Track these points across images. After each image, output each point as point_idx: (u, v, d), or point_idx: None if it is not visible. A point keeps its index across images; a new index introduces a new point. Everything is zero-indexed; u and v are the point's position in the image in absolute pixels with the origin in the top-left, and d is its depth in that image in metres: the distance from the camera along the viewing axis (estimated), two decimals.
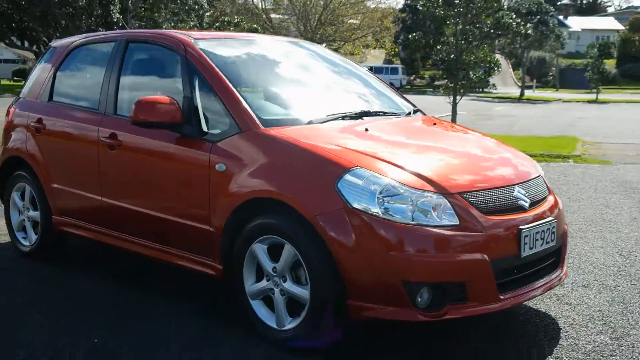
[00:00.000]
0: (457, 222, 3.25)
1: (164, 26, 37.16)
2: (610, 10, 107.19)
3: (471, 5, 12.25)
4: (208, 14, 37.88)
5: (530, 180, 3.79)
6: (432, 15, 12.60)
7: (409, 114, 4.53)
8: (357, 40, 49.80)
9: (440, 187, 3.33)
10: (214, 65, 4.04)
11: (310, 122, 3.87)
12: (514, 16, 14.01)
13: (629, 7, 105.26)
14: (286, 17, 48.74)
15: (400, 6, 51.74)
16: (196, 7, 36.04)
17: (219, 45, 4.38)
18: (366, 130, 3.87)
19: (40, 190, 5.04)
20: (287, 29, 48.38)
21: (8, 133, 5.39)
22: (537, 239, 3.51)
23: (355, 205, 3.23)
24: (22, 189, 5.29)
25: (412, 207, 3.23)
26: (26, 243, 5.29)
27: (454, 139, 4.28)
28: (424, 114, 4.69)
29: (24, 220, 5.30)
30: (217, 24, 25.56)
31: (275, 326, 3.57)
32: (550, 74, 60.00)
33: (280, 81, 4.44)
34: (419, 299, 3.22)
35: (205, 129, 3.88)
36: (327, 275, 3.31)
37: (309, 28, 47.28)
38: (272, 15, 52.69)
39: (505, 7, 28.50)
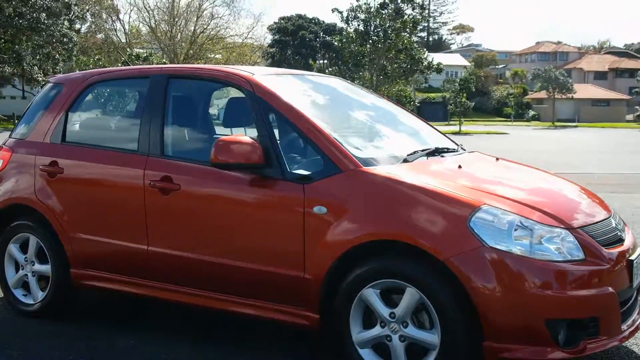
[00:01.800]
0: (584, 257, 3.29)
1: (26, 60, 35.20)
2: (454, 47, 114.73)
3: (389, 41, 12.62)
4: (77, 47, 36.36)
5: (612, 211, 3.92)
6: (350, 51, 12.84)
7: (462, 150, 4.56)
8: None
9: (564, 222, 3.37)
10: (292, 103, 3.86)
11: (405, 160, 3.79)
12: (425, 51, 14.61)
13: (469, 45, 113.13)
14: (150, 51, 47.89)
15: (268, 41, 52.51)
16: (64, 39, 34.41)
17: (282, 82, 4.19)
18: (460, 167, 3.85)
19: (55, 241, 4.54)
20: (152, 63, 47.29)
21: (4, 177, 4.82)
22: (638, 269, 3.62)
23: (492, 244, 3.18)
24: (24, 240, 4.74)
25: (546, 244, 3.23)
26: (29, 301, 4.74)
27: (530, 175, 4.34)
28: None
29: (25, 275, 4.74)
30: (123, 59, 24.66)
31: None
32: (411, 107, 63.04)
33: (350, 118, 4.33)
34: (560, 337, 3.21)
35: (289, 169, 3.69)
36: (460, 318, 3.22)
37: (176, 63, 46.68)
38: (137, 50, 51.57)
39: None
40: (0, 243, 4.84)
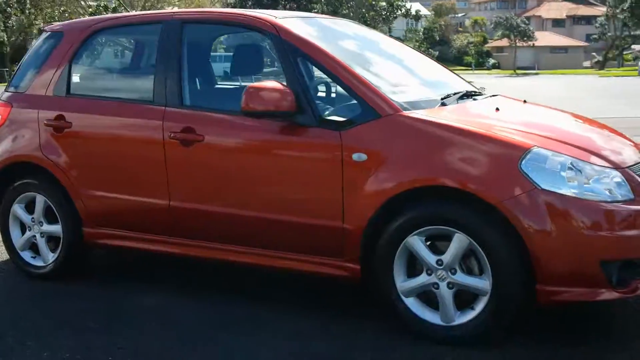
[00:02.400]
0: (633, 196, 3.23)
1: None
2: None
3: None
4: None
5: None
6: None
7: (486, 93, 4.44)
8: None
9: (612, 162, 3.30)
10: (322, 47, 3.68)
11: (443, 104, 3.66)
12: None
13: None
14: (104, 2, 46.38)
15: None
16: None
17: (305, 25, 3.99)
18: (497, 109, 3.75)
19: (65, 200, 4.32)
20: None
21: (4, 134, 4.55)
22: None
23: (544, 186, 3.09)
24: (29, 200, 4.51)
25: (598, 185, 3.16)
26: (39, 263, 4.53)
27: (562, 117, 4.25)
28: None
29: (33, 237, 4.52)
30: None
31: (440, 323, 3.34)
32: None
33: (377, 62, 4.15)
34: (613, 277, 3.16)
35: (322, 116, 3.54)
36: (512, 262, 3.15)
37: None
38: (90, 2, 50.03)
39: None
40: (2, 204, 4.59)
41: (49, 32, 4.65)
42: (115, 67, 4.49)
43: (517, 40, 62.03)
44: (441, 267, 3.29)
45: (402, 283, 3.41)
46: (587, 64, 74.00)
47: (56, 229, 4.42)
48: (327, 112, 3.59)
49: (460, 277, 3.27)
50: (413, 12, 31.38)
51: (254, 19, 3.88)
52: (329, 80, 3.80)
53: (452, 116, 3.48)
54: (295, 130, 3.57)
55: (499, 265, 3.16)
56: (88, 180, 4.23)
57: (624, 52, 64.86)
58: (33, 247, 4.59)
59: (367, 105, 3.45)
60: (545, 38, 73.67)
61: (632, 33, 59.35)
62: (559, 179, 3.12)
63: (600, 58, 63.93)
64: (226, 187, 3.80)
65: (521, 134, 3.34)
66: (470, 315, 3.28)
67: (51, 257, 4.47)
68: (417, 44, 42.72)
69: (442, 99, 3.74)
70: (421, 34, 44.38)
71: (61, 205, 4.35)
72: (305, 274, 3.74)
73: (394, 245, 3.38)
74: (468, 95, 4.01)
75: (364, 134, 3.42)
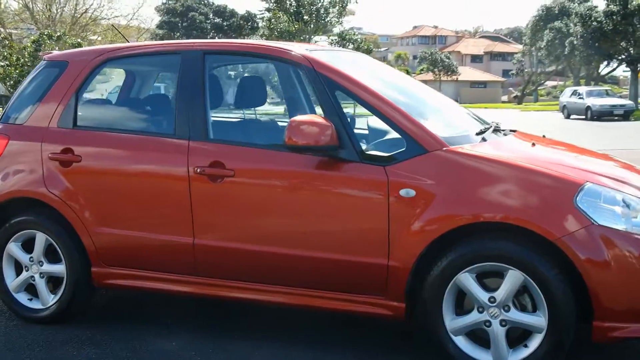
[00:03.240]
0: None
1: None
2: (336, 30, 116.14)
3: (321, 21, 12.46)
4: None
5: None
6: (279, 31, 12.56)
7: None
8: None
9: None
10: (360, 80, 3.63)
11: (483, 139, 3.65)
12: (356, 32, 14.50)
13: (351, 28, 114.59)
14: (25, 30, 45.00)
15: (156, 22, 50.51)
16: None
17: (333, 59, 3.92)
18: (533, 144, 3.77)
19: (71, 238, 4.06)
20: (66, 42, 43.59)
21: (1, 168, 4.25)
22: None
23: (600, 222, 3.11)
24: (27, 238, 4.22)
25: None
26: (36, 305, 4.23)
27: (586, 152, 4.29)
28: None
29: (30, 278, 4.22)
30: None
31: None
32: None
33: (408, 96, 4.10)
34: None
35: (363, 150, 3.48)
36: (568, 299, 3.15)
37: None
38: (12, 30, 48.40)
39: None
40: None
41: (50, 61, 4.41)
42: (126, 99, 4.27)
43: (441, 75, 63.86)
44: (494, 304, 3.25)
45: (452, 321, 3.35)
46: (504, 98, 76.92)
47: (58, 268, 4.14)
48: (367, 147, 3.52)
49: (515, 315, 3.24)
50: (365, 46, 31.89)
51: (285, 51, 3.79)
52: (360, 114, 3.73)
53: (497, 152, 3.47)
54: (336, 165, 3.48)
55: (555, 301, 3.15)
56: (100, 217, 3.99)
57: (539, 88, 67.76)
58: (29, 289, 4.28)
59: (413, 141, 3.41)
60: (465, 73, 76.20)
61: (546, 70, 62.17)
62: (612, 214, 3.15)
63: (518, 93, 66.51)
64: (260, 223, 3.65)
65: (569, 169, 3.36)
66: (525, 353, 3.24)
67: (51, 299, 4.17)
68: None
69: (476, 134, 3.73)
70: None
71: (66, 244, 4.08)
72: (343, 313, 3.62)
73: (443, 282, 3.32)
74: (496, 130, 4.02)
75: (412, 169, 3.36)
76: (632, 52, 35.91)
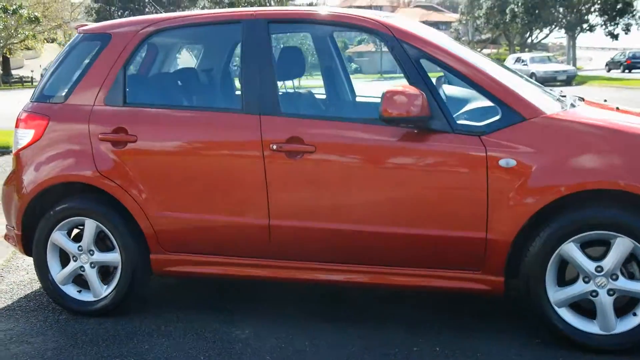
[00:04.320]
0: None
1: None
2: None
3: None
4: None
5: None
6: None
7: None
8: (40, 34, 45.57)
9: None
10: (449, 49, 3.48)
11: (572, 105, 3.56)
12: None
13: None
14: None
15: None
16: None
17: (412, 26, 3.74)
18: (617, 108, 3.72)
19: (126, 224, 3.79)
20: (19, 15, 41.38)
21: (42, 151, 3.93)
22: None
23: None
24: (72, 226, 3.94)
25: None
26: (87, 298, 3.95)
27: None
28: None
29: (80, 268, 3.93)
30: None
31: (600, 332, 3.24)
32: None
33: (485, 64, 3.94)
34: None
35: (456, 121, 3.34)
36: None
37: None
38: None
39: None
40: (38, 233, 3.96)
41: (88, 34, 4.07)
42: (181, 72, 3.98)
43: (382, 45, 63.86)
44: (601, 273, 3.18)
45: (555, 293, 3.27)
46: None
47: (112, 257, 3.87)
48: (460, 117, 3.39)
49: (624, 283, 3.18)
50: None
51: (365, 20, 3.59)
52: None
53: (597, 116, 3.40)
54: (428, 137, 3.34)
55: None
56: (160, 200, 3.73)
57: None
58: (76, 280, 4.00)
59: (509, 108, 3.29)
60: None
61: (482, 37, 63.05)
62: None
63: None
64: (346, 201, 3.47)
65: None
66: (635, 321, 3.20)
67: (105, 290, 3.91)
68: None
69: (563, 101, 3.64)
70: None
71: (120, 230, 3.81)
72: (436, 290, 3.51)
73: (547, 254, 3.23)
74: (575, 97, 3.94)
75: (510, 138, 3.25)
76: (569, 18, 36.72)
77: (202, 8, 41.28)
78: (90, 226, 3.87)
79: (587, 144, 3.20)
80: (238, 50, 3.90)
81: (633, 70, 39.52)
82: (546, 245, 3.22)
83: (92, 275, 3.91)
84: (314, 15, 3.78)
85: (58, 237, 3.93)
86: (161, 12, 43.75)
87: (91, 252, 3.90)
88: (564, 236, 3.20)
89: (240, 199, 3.62)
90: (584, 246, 3.22)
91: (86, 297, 3.96)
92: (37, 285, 4.47)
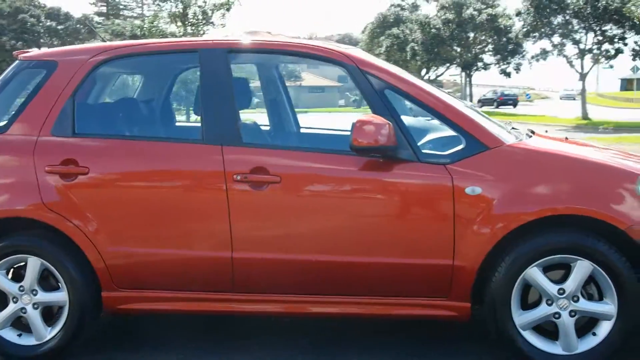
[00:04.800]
0: None
1: None
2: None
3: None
4: None
5: None
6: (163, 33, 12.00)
7: None
8: None
9: None
10: (411, 80, 3.55)
11: (529, 137, 3.70)
12: None
13: None
14: None
15: None
16: None
17: (371, 58, 3.78)
18: (566, 139, 3.88)
19: (75, 261, 3.58)
20: None
21: None
22: None
23: None
24: (11, 264, 3.68)
25: None
26: (29, 342, 3.68)
27: (601, 148, 4.41)
28: None
29: (21, 310, 3.67)
30: None
31: (562, 352, 3.33)
32: None
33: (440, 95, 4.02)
34: None
35: (421, 150, 3.40)
36: (636, 285, 3.26)
37: None
38: None
39: None
40: None
41: (33, 61, 3.86)
42: (134, 102, 3.82)
43: (285, 80, 64.47)
44: (563, 295, 3.29)
45: (520, 316, 3.35)
46: (342, 102, 79.36)
47: (58, 296, 3.64)
48: (424, 147, 3.44)
49: (584, 304, 3.30)
50: None
51: (326, 50, 3.60)
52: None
53: (554, 147, 3.54)
54: (394, 166, 3.37)
55: (625, 288, 3.25)
56: (114, 235, 3.55)
57: None
58: (15, 324, 3.73)
59: (473, 138, 3.37)
60: (305, 78, 77.70)
61: None
62: None
63: (355, 97, 68.87)
64: (312, 231, 3.44)
65: (617, 162, 3.49)
66: (595, 341, 3.31)
67: (49, 332, 3.66)
68: None
69: (516, 131, 3.77)
70: None
71: (68, 268, 3.59)
72: (404, 318, 3.51)
73: (512, 278, 3.31)
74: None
75: (475, 166, 3.33)
76: (465, 57, 38.45)
77: (103, 41, 40.31)
78: (34, 264, 3.62)
79: (547, 172, 3.33)
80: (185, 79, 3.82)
81: (501, 106, 47.71)
82: (511, 270, 3.29)
83: (35, 317, 3.65)
84: (277, 46, 3.76)
85: None
86: (56, 43, 42.43)
87: (34, 292, 3.65)
88: (528, 261, 3.28)
89: (200, 231, 3.51)
90: (545, 270, 3.32)
91: (27, 341, 3.69)
92: None
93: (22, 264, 3.68)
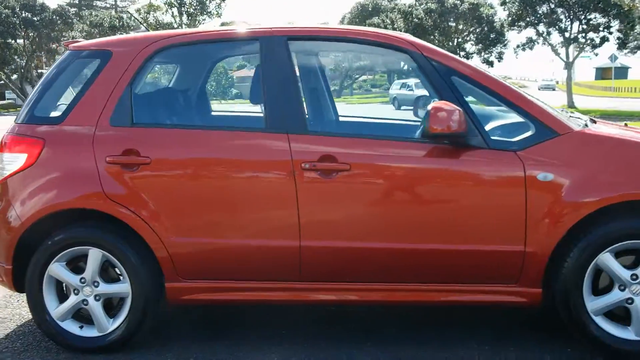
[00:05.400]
0: None
1: None
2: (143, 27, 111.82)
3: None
4: None
5: None
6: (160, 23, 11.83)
7: None
8: None
9: None
10: (475, 66, 3.54)
11: (594, 123, 3.72)
12: None
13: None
14: None
15: None
16: None
17: (430, 45, 3.76)
18: (626, 124, 3.90)
19: (138, 251, 3.54)
20: None
21: (37, 177, 3.59)
22: None
23: None
24: (74, 257, 3.62)
25: None
26: (91, 334, 3.64)
27: None
28: None
29: (82, 302, 3.62)
30: None
31: (635, 337, 3.35)
32: None
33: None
34: None
35: (490, 137, 3.40)
36: None
37: None
38: None
39: None
40: (32, 266, 3.61)
41: (85, 51, 3.79)
42: (192, 91, 3.76)
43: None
44: (636, 281, 3.31)
45: (592, 302, 3.37)
46: None
47: (120, 288, 3.59)
48: (493, 133, 3.44)
49: None
50: None
51: (390, 37, 3.59)
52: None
53: (618, 133, 3.56)
54: (465, 153, 3.36)
55: None
56: (178, 225, 3.51)
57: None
58: (75, 316, 3.68)
59: (543, 125, 3.38)
60: None
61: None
62: None
63: (335, 87, 68.77)
64: (382, 219, 3.42)
65: None
66: None
67: (111, 323, 3.61)
68: None
69: (578, 117, 3.79)
70: None
71: (130, 259, 3.54)
72: (472, 305, 3.52)
73: (584, 264, 3.33)
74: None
75: (545, 152, 3.33)
76: (447, 46, 38.54)
77: (81, 32, 39.75)
78: (95, 256, 3.57)
79: (619, 157, 3.35)
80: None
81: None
82: (583, 256, 3.31)
83: (97, 308, 3.61)
84: (339, 32, 3.72)
85: (57, 269, 3.60)
86: (32, 35, 41.60)
87: (96, 284, 3.60)
88: (601, 247, 3.30)
89: (267, 220, 3.48)
90: (616, 255, 3.34)
91: (90, 332, 3.64)
92: (19, 321, 4.07)
93: (81, 256, 3.62)
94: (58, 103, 3.76)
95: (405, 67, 4.02)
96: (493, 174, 3.36)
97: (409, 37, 3.65)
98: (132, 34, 3.96)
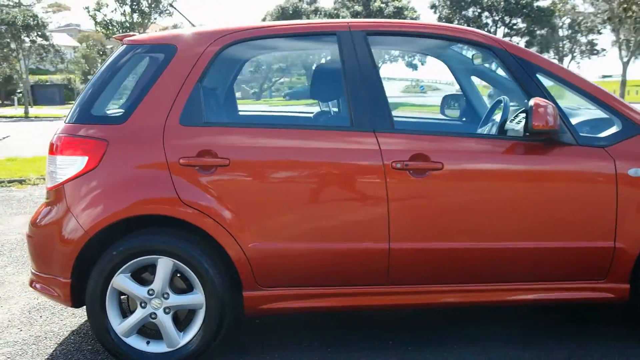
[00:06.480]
0: None
1: None
2: (52, 27, 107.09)
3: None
4: None
5: None
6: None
7: None
8: None
9: None
10: (559, 64, 3.52)
11: None
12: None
13: (69, 25, 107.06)
14: None
15: None
16: None
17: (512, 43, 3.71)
18: None
19: (213, 260, 3.32)
20: None
21: (101, 181, 3.30)
22: None
23: None
24: (138, 267, 3.36)
25: None
26: (159, 349, 3.39)
27: None
28: None
29: (151, 315, 3.37)
30: None
31: None
32: (19, 90, 55.32)
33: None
34: None
35: (579, 133, 3.40)
36: None
37: None
38: None
39: None
40: (94, 277, 3.33)
41: (145, 45, 3.53)
42: (267, 87, 3.52)
43: None
44: None
45: None
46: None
47: (193, 299, 3.36)
48: (580, 130, 3.44)
49: None
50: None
51: (474, 33, 3.52)
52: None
53: None
54: (556, 150, 3.34)
55: None
56: (261, 231, 3.30)
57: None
58: (141, 331, 3.42)
59: (630, 121, 3.41)
60: None
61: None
62: None
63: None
64: (476, 218, 3.34)
65: None
66: None
67: (182, 337, 3.38)
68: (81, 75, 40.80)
69: None
70: (86, 65, 42.82)
71: (205, 268, 3.31)
72: (559, 302, 3.49)
73: None
74: None
75: (636, 149, 3.35)
76: None
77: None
78: (166, 265, 3.32)
79: None
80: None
81: None
82: None
83: (166, 322, 3.35)
84: (420, 27, 3.62)
85: (121, 281, 3.32)
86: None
87: (165, 296, 3.35)
88: None
89: (355, 223, 3.33)
90: None
91: (158, 348, 3.39)
92: (56, 339, 3.76)
93: (148, 267, 3.36)
94: (115, 101, 3.49)
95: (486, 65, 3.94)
96: (585, 171, 3.35)
97: (489, 34, 3.59)
98: (196, 28, 3.70)
